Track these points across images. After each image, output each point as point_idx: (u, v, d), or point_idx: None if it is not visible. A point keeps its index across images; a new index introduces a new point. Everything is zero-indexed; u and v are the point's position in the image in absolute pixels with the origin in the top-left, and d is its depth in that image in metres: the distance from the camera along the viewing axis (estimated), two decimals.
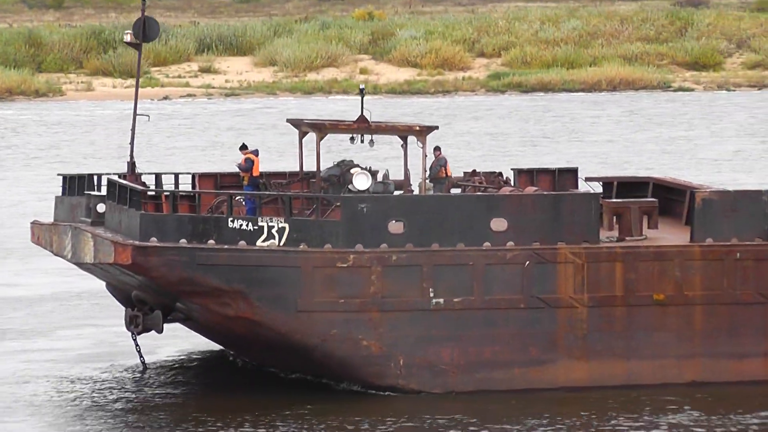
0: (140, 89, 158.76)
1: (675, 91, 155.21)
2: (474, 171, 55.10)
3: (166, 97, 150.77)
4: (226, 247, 47.89)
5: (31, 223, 55.92)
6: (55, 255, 54.26)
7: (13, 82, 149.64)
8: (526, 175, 55.64)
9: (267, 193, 51.54)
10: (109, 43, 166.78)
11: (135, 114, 55.33)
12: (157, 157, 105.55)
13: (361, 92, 56.44)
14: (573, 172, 56.31)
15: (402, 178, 52.47)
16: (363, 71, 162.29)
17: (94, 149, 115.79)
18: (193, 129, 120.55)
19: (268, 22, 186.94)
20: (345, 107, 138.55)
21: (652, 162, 70.76)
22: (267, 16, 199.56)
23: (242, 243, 47.83)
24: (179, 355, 54.38)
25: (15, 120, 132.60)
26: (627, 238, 50.03)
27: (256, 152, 52.83)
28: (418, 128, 52.00)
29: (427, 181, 51.79)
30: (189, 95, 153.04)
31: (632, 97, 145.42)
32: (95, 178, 54.48)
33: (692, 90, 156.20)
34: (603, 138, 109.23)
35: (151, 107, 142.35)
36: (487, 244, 48.41)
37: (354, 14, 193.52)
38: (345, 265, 47.86)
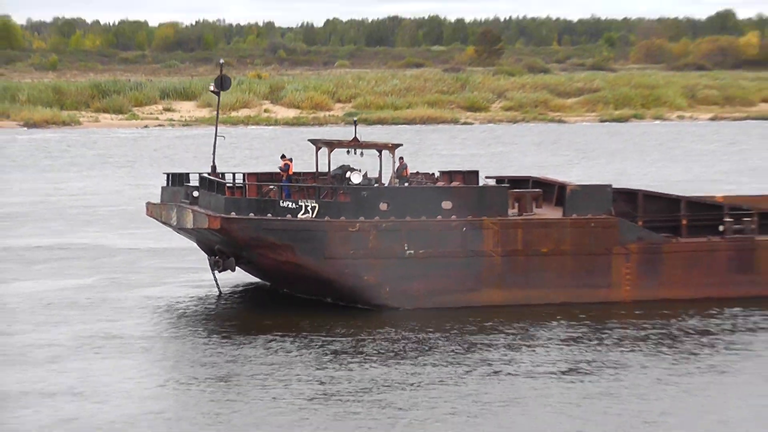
0: (123, 120, 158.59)
1: (462, 125, 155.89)
2: (417, 172, 55.61)
3: (146, 126, 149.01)
4: (279, 218, 49.14)
5: (146, 203, 56.05)
6: (163, 223, 54.85)
7: (48, 116, 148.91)
8: (447, 175, 55.72)
9: (306, 185, 52.22)
10: (105, 92, 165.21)
11: (216, 135, 55.40)
12: (179, 161, 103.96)
13: (355, 123, 57.52)
14: (476, 173, 56.33)
15: (376, 176, 52.71)
16: (266, 110, 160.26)
17: (135, 157, 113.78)
18: (181, 147, 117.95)
19: (203, 79, 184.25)
20: (260, 133, 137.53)
21: (494, 167, 70.35)
22: (189, 77, 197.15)
23: (289, 216, 49.06)
24: (249, 287, 55.04)
25: (58, 140, 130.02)
26: (524, 214, 51.37)
27: (291, 159, 53.91)
28: (390, 145, 52.90)
29: (395, 178, 52.94)
30: (160, 125, 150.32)
31: (437, 128, 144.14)
32: (190, 176, 55.51)
33: (472, 124, 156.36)
34: (451, 153, 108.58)
35: (137, 134, 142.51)
36: (439, 217, 49.62)
37: (248, 75, 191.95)
38: (354, 230, 49.09)
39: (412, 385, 39.31)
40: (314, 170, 55.35)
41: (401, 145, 53.77)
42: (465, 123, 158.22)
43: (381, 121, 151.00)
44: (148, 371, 41.57)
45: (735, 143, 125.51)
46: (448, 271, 50.02)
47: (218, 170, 54.65)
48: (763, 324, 48.15)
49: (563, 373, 41.07)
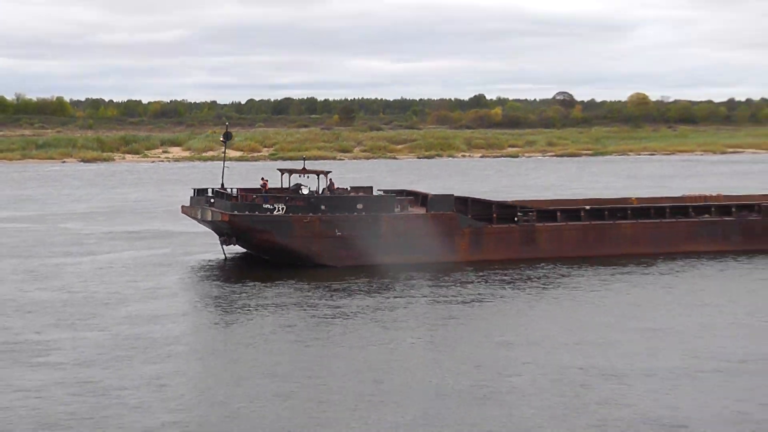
0: (139, 158, 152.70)
1: (338, 160, 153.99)
2: (337, 188, 54.41)
3: (153, 162, 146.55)
4: (263, 215, 49.03)
5: (181, 206, 56.16)
6: (192, 218, 54.55)
7: (95, 155, 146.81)
8: (355, 189, 54.79)
9: (277, 195, 51.67)
10: (127, 142, 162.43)
11: (224, 166, 55.21)
12: (182, 182, 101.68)
13: (303, 159, 58.15)
14: (371, 188, 56.01)
15: (316, 189, 52.60)
16: (221, 153, 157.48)
17: (165, 178, 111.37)
18: (176, 177, 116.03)
19: (183, 133, 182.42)
20: (221, 165, 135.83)
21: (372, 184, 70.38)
22: (172, 133, 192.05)
23: (268, 213, 48.95)
24: (237, 256, 54.16)
25: (104, 170, 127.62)
26: (404, 211, 51.38)
27: (267, 180, 54.01)
28: (324, 171, 53.37)
29: (327, 190, 52.93)
30: (161, 161, 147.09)
31: (324, 163, 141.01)
32: (208, 190, 54.53)
33: (343, 160, 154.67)
34: (338, 176, 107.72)
35: (150, 166, 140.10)
36: (355, 213, 49.67)
37: (209, 132, 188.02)
38: (306, 221, 49.00)
39: (385, 308, 39.52)
40: (280, 186, 55.10)
41: (330, 171, 54.36)
42: (339, 159, 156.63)
43: (291, 158, 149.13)
44: (223, 300, 42.01)
45: (498, 172, 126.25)
46: (360, 245, 49.91)
47: (225, 187, 54.04)
48: (551, 273, 48.46)
49: (466, 301, 41.19)
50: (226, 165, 57.00)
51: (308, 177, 54.18)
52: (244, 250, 53.95)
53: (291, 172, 54.64)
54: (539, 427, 24.61)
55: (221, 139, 56.71)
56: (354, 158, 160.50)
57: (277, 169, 56.54)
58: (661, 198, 60.45)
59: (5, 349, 32.24)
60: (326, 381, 28.92)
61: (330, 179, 53.68)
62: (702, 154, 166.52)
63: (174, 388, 28.24)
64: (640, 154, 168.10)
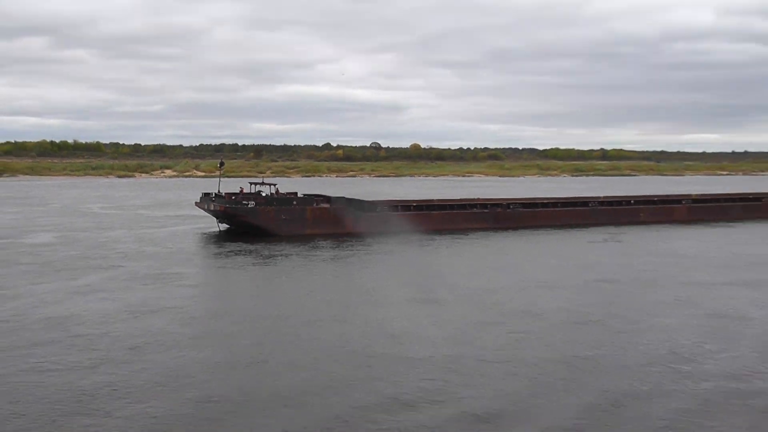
0: (149, 176, 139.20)
1: (257, 178, 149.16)
2: (280, 192, 51.27)
3: (158, 177, 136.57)
4: (243, 207, 46.42)
5: (195, 201, 52.44)
6: (201, 209, 50.83)
7: (124, 173, 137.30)
8: (290, 193, 51.68)
9: (248, 196, 48.60)
10: (142, 166, 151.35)
11: (219, 181, 52.14)
12: (185, 190, 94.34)
13: (262, 176, 55.36)
14: (296, 192, 52.78)
15: (270, 193, 50.05)
16: (194, 172, 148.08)
17: (169, 187, 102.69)
18: (174, 186, 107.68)
19: (170, 162, 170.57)
20: (193, 180, 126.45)
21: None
22: (164, 161, 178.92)
23: (245, 206, 46.59)
24: (227, 230, 50.27)
25: (132, 182, 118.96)
26: (319, 205, 49.27)
27: (242, 188, 51.40)
28: (274, 183, 51.18)
29: (275, 194, 50.53)
30: (160, 177, 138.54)
31: (250, 179, 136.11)
32: (210, 193, 50.90)
33: (262, 177, 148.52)
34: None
35: (158, 180, 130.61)
36: (292, 206, 47.48)
37: (184, 162, 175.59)
38: (267, 211, 46.71)
39: (328, 258, 36.61)
40: (249, 191, 51.50)
41: (276, 183, 52.10)
42: (259, 178, 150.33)
43: (234, 177, 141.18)
44: (233, 253, 38.78)
45: (351, 185, 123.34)
46: (296, 223, 47.81)
47: (220, 191, 50.72)
48: (408, 239, 45.61)
49: (383, 253, 38.10)
50: (223, 182, 53.45)
51: (265, 186, 52.02)
52: (229, 227, 50.93)
53: (256, 183, 52.23)
54: (482, 316, 23.33)
55: (218, 166, 53.49)
56: (266, 176, 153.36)
57: (249, 182, 53.74)
58: (450, 199, 60.87)
59: (157, 279, 30.35)
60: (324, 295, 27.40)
61: (277, 188, 51.85)
62: (453, 177, 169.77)
63: (257, 294, 27.44)
64: (420, 177, 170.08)
